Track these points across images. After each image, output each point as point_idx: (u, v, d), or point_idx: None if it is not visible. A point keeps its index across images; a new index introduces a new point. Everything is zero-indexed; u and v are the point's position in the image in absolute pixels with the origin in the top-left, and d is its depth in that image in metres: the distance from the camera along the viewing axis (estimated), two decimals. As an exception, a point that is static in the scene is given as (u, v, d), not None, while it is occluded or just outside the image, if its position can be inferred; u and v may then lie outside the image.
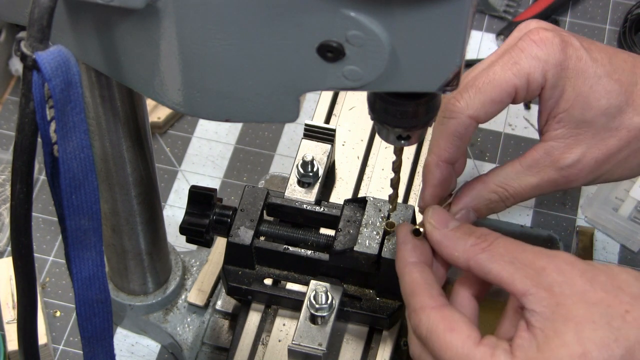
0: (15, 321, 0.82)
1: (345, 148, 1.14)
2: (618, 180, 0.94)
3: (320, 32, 0.71)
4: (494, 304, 1.12)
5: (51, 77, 0.68)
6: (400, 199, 1.04)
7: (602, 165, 0.92)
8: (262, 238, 1.04)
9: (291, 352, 0.98)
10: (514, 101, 0.90)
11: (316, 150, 1.10)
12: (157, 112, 1.38)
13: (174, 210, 1.33)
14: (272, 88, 0.75)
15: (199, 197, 1.05)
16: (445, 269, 0.89)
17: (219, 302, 1.16)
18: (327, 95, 1.19)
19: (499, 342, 0.80)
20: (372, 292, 1.02)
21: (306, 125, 1.11)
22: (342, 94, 1.19)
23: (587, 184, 0.94)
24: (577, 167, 0.91)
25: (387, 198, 0.99)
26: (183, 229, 1.05)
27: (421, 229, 0.87)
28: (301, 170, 1.08)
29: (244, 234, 1.02)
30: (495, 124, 1.42)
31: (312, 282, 1.00)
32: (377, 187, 1.12)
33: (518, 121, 1.43)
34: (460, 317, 0.82)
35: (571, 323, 0.77)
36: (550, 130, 0.91)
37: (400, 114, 0.79)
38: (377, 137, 1.14)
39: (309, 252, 1.02)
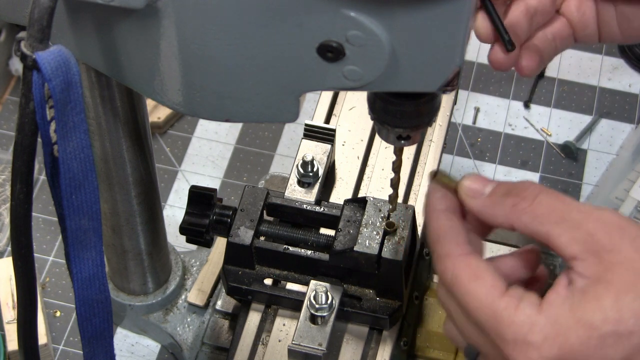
0: (15, 321, 0.82)
1: (345, 148, 1.14)
2: None
3: (321, 32, 0.71)
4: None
5: (51, 77, 0.68)
6: (400, 199, 1.04)
7: None
8: (262, 238, 1.04)
9: (291, 352, 0.98)
10: None
11: (316, 150, 1.10)
12: (157, 112, 1.38)
13: (174, 210, 1.33)
14: (272, 88, 0.75)
15: (199, 197, 1.05)
16: (484, 231, 0.87)
17: (219, 302, 1.16)
18: (327, 95, 1.19)
19: (526, 294, 0.78)
20: (372, 292, 1.02)
21: (306, 125, 1.11)
22: (342, 94, 1.19)
23: None
24: None
25: (387, 198, 0.99)
26: (183, 229, 1.05)
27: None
28: (301, 170, 1.08)
29: (244, 234, 1.02)
30: (495, 124, 1.42)
31: (312, 282, 1.00)
32: (377, 187, 1.12)
33: (518, 121, 1.43)
34: (486, 266, 0.80)
35: (613, 289, 0.75)
36: None
37: (401, 114, 0.79)
38: (377, 137, 1.14)
39: (309, 252, 1.02)
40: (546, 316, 0.76)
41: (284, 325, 1.04)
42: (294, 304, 1.03)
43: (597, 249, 0.77)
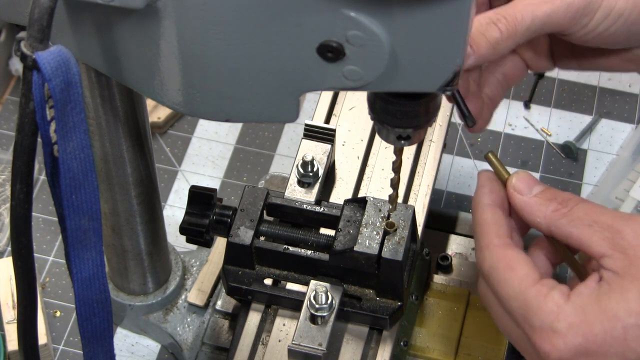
0: (15, 321, 0.82)
1: (345, 148, 1.14)
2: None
3: (320, 32, 0.71)
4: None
5: (51, 77, 0.68)
6: (400, 199, 1.04)
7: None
8: (262, 238, 1.04)
9: (291, 352, 0.98)
10: None
11: (316, 150, 1.10)
12: (157, 112, 1.38)
13: (174, 210, 1.33)
14: (272, 88, 0.75)
15: (199, 197, 1.05)
16: (524, 230, 0.90)
17: (219, 302, 1.16)
18: (327, 95, 1.19)
19: (558, 284, 0.81)
20: (372, 292, 1.02)
21: (306, 125, 1.11)
22: (342, 94, 1.19)
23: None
24: None
25: (387, 198, 0.99)
26: (183, 229, 1.05)
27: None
28: (301, 170, 1.08)
29: (244, 234, 1.02)
30: (495, 124, 1.42)
31: (312, 282, 1.00)
32: (377, 187, 1.12)
33: (518, 121, 1.43)
34: (522, 258, 0.83)
35: (638, 282, 0.78)
36: None
37: (401, 114, 0.79)
38: (377, 137, 1.14)
39: (309, 252, 1.02)
40: (573, 305, 0.79)
41: (284, 325, 1.05)
42: (294, 304, 1.03)
43: (624, 246, 0.80)
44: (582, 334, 0.78)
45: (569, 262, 0.87)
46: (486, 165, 0.91)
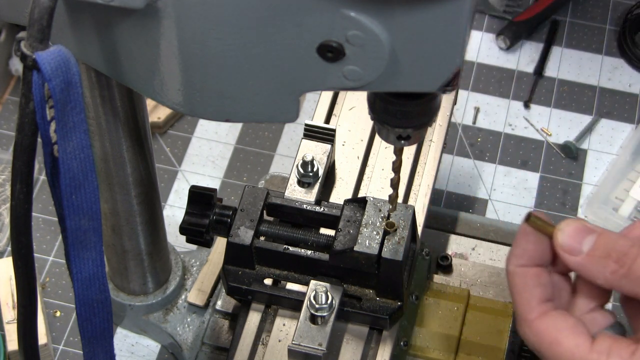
0: (15, 321, 0.82)
1: (345, 148, 1.14)
2: None
3: (320, 32, 0.71)
4: (494, 304, 1.13)
5: (51, 77, 0.68)
6: (400, 199, 1.04)
7: None
8: (262, 238, 1.04)
9: (291, 352, 0.98)
10: None
11: (316, 150, 1.10)
12: (157, 112, 1.38)
13: (174, 210, 1.33)
14: (272, 88, 0.75)
15: (199, 197, 1.05)
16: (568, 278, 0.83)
17: (219, 302, 1.16)
18: (327, 95, 1.19)
19: (615, 343, 0.75)
20: (372, 292, 1.02)
21: (306, 125, 1.11)
22: (342, 94, 1.19)
23: None
24: None
25: (387, 198, 0.99)
26: (183, 229, 1.05)
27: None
28: (301, 170, 1.07)
29: (244, 234, 1.02)
30: (495, 124, 1.42)
31: (312, 282, 1.00)
32: (377, 187, 1.12)
33: (518, 121, 1.43)
34: (566, 326, 0.77)
35: None
36: None
37: (401, 114, 0.79)
38: (377, 137, 1.14)
39: (309, 252, 1.02)
40: None
41: (284, 325, 1.04)
42: (294, 304, 1.03)
43: None
44: None
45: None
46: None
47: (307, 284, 1.01)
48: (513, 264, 0.80)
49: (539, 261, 0.80)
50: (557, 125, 1.42)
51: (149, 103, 1.25)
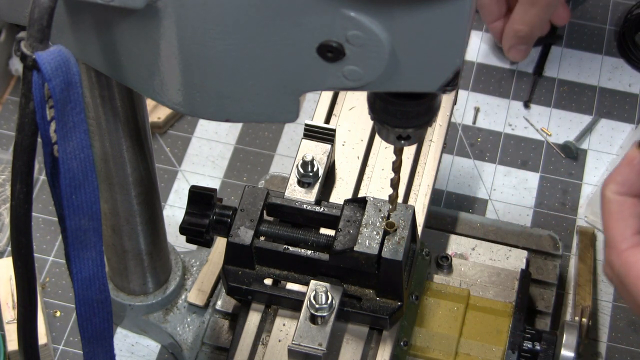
0: (15, 321, 0.82)
1: (345, 148, 1.14)
2: None
3: (320, 32, 0.71)
4: (494, 304, 1.13)
5: (51, 77, 0.68)
6: (400, 199, 1.04)
7: None
8: (262, 238, 1.04)
9: (291, 352, 0.98)
10: None
11: (316, 150, 1.10)
12: (157, 112, 1.38)
13: (174, 210, 1.33)
14: (272, 88, 0.75)
15: (199, 197, 1.05)
16: None
17: (219, 302, 1.16)
18: (327, 95, 1.19)
19: None
20: (372, 292, 1.02)
21: (306, 125, 1.11)
22: (342, 94, 1.19)
23: None
24: None
25: (387, 198, 0.99)
26: (183, 229, 1.05)
27: None
28: (301, 170, 1.08)
29: (244, 234, 1.02)
30: (495, 124, 1.42)
31: (312, 282, 1.00)
32: (377, 187, 1.12)
33: (518, 121, 1.43)
34: None
35: None
36: None
37: (401, 114, 0.79)
38: (377, 137, 1.14)
39: (309, 252, 1.02)
40: None
41: (284, 325, 1.04)
42: (294, 304, 1.03)
43: None
44: None
45: None
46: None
47: (307, 284, 1.01)
48: (612, 190, 0.78)
49: (639, 192, 0.78)
50: (557, 125, 1.42)
51: (149, 103, 1.25)
